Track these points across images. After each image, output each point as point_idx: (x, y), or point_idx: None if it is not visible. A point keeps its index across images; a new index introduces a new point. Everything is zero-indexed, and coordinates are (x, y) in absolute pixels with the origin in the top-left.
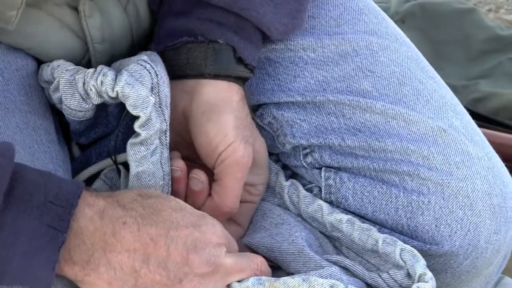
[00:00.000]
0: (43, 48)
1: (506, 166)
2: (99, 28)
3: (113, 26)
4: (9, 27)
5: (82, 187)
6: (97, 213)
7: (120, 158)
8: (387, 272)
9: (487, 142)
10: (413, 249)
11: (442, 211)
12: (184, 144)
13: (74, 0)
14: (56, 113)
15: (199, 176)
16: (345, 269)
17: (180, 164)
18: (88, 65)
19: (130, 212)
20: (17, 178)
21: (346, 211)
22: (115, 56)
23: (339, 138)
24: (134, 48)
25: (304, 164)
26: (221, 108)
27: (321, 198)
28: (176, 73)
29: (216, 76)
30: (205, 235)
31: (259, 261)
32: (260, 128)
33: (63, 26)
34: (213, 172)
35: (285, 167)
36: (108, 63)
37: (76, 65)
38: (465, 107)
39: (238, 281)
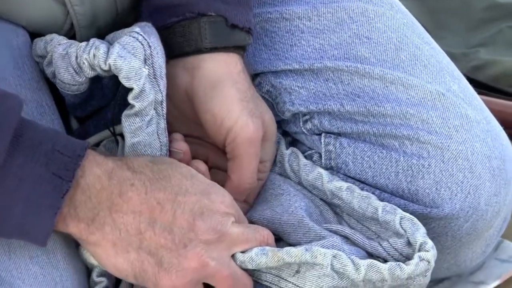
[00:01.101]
0: (20, 11)
1: (506, 132)
2: None
3: None
4: None
5: (88, 144)
6: (105, 172)
7: (118, 129)
8: (387, 241)
9: (485, 106)
10: (413, 217)
11: (442, 174)
12: (187, 122)
13: None
14: (52, 87)
15: (198, 167)
16: (346, 238)
17: (182, 146)
18: (71, 29)
19: (139, 175)
20: (27, 125)
21: (346, 176)
22: (98, 19)
23: (338, 104)
24: (118, 10)
25: (304, 130)
26: (222, 83)
27: (321, 164)
28: (174, 52)
29: (215, 49)
30: (213, 203)
31: (265, 234)
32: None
33: None
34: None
35: (285, 134)
36: (92, 26)
37: (59, 30)
38: (464, 75)
39: (242, 252)
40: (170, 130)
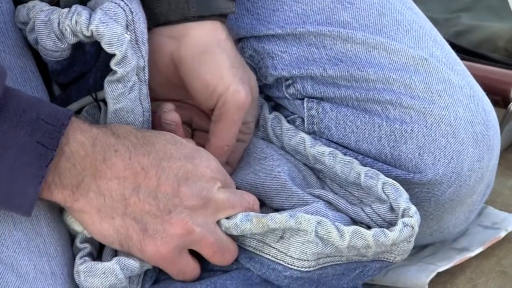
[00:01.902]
0: None
1: (489, 98)
2: None
3: None
4: None
5: (73, 112)
6: (89, 139)
7: (101, 94)
8: (370, 206)
9: (467, 72)
10: (396, 182)
11: (425, 139)
12: (173, 87)
13: None
14: (35, 53)
15: (171, 119)
16: (329, 203)
17: (174, 118)
18: None
19: (123, 141)
20: (11, 94)
21: (329, 141)
22: None
23: (320, 68)
24: None
25: (287, 95)
26: (213, 49)
27: (304, 129)
28: (160, 21)
29: (201, 17)
30: (198, 168)
31: (251, 199)
32: None
33: None
34: (206, 112)
35: (268, 98)
36: None
37: None
38: (447, 40)
39: (227, 218)
40: (153, 95)
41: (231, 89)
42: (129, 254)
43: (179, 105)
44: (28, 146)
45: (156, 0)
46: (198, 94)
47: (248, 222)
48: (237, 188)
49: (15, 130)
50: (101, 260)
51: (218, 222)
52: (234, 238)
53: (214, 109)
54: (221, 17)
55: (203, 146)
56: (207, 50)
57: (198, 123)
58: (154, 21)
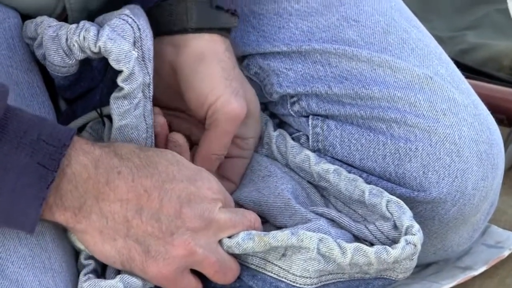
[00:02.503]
0: None
1: (493, 117)
2: None
3: None
4: None
5: (75, 131)
6: (92, 161)
7: (106, 110)
8: (374, 224)
9: (472, 90)
10: (400, 200)
11: (429, 157)
12: (173, 96)
13: None
14: (42, 68)
15: (176, 139)
16: (332, 221)
17: (159, 120)
18: (63, 13)
19: (126, 162)
20: (12, 115)
21: (334, 159)
22: (90, 3)
23: (325, 86)
24: None
25: (292, 112)
26: (207, 60)
27: (308, 147)
28: (162, 30)
29: (200, 30)
30: (200, 189)
31: (252, 218)
32: (247, 78)
33: None
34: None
35: (273, 116)
36: (84, 10)
37: (51, 13)
38: (452, 58)
39: (229, 237)
40: (157, 104)
41: (222, 99)
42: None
43: (181, 116)
44: (29, 167)
45: (160, 10)
46: (191, 102)
47: (250, 240)
48: (240, 205)
49: (15, 152)
50: (105, 277)
51: (220, 242)
52: (236, 256)
53: (206, 119)
54: (222, 31)
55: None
56: (202, 60)
57: (197, 136)
58: (158, 29)
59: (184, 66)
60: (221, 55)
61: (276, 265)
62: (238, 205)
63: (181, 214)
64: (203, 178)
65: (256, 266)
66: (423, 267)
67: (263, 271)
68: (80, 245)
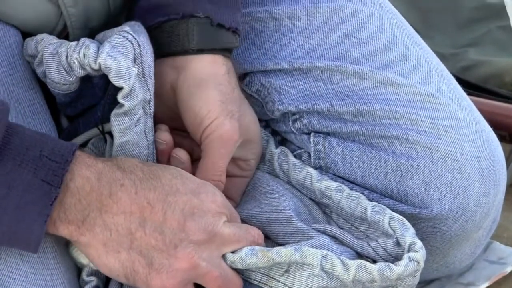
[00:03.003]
0: (11, 12)
1: (495, 133)
2: None
3: None
4: None
5: (77, 146)
6: (95, 173)
7: (107, 127)
8: (376, 241)
9: (474, 107)
10: (402, 217)
11: (431, 174)
12: (174, 116)
13: None
14: (43, 85)
15: (180, 155)
16: (334, 238)
17: (165, 137)
18: (64, 30)
19: (129, 175)
20: (13, 132)
21: (336, 176)
22: (91, 20)
23: (327, 103)
24: (111, 11)
25: (293, 129)
26: (206, 83)
27: (310, 164)
28: (163, 51)
29: (201, 51)
30: (203, 202)
31: (256, 233)
32: (249, 96)
33: None
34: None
35: (274, 133)
36: (85, 28)
37: (52, 30)
38: (454, 75)
39: (232, 252)
40: (157, 123)
41: (216, 122)
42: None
43: (182, 135)
44: (33, 184)
45: (160, 31)
46: (188, 124)
47: (253, 256)
48: (243, 221)
49: (18, 169)
50: None
51: (223, 256)
52: (239, 271)
53: (201, 141)
54: (224, 51)
55: None
56: (201, 83)
57: (198, 153)
58: (159, 50)
59: (183, 88)
60: (220, 78)
61: (279, 281)
62: (241, 221)
63: (185, 227)
64: (207, 191)
65: (259, 282)
66: (425, 284)
67: (265, 287)
68: (83, 260)
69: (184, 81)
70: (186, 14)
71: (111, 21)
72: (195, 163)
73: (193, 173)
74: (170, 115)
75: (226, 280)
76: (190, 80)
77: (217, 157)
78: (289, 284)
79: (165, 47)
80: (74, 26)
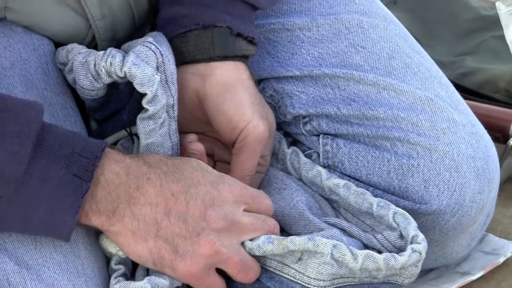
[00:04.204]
0: (45, 25)
1: (490, 135)
2: (98, 5)
3: (111, 3)
4: None
5: (106, 143)
6: (123, 168)
7: (134, 129)
8: (382, 233)
9: (470, 111)
10: (405, 212)
11: (430, 173)
12: (197, 121)
13: None
14: (74, 91)
15: (197, 149)
16: (343, 230)
17: (198, 148)
18: (93, 41)
19: (155, 169)
20: (48, 131)
21: (342, 174)
22: (117, 32)
23: (335, 107)
24: (136, 24)
25: (304, 131)
26: (235, 88)
27: (319, 163)
28: (186, 59)
29: (225, 58)
30: (222, 193)
31: (272, 224)
32: None
33: (63, 5)
34: (227, 145)
35: (286, 135)
36: (112, 39)
37: (82, 41)
38: (452, 81)
39: (250, 240)
40: (180, 128)
41: (252, 124)
42: (159, 273)
43: (202, 138)
44: (65, 179)
45: (183, 40)
46: (221, 128)
47: (270, 243)
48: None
49: (52, 165)
50: (134, 280)
51: (242, 244)
52: (256, 258)
53: (236, 142)
54: (243, 58)
55: None
56: (230, 88)
57: (219, 155)
58: (181, 59)
59: (212, 94)
60: (246, 82)
61: (293, 268)
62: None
63: (206, 215)
64: (225, 182)
65: (274, 268)
66: (425, 272)
67: (280, 274)
68: (111, 250)
69: (212, 87)
70: (207, 24)
71: (136, 33)
72: (217, 163)
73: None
74: (192, 120)
75: (245, 265)
76: (218, 86)
77: (253, 155)
78: (302, 271)
79: (188, 56)
80: (102, 38)
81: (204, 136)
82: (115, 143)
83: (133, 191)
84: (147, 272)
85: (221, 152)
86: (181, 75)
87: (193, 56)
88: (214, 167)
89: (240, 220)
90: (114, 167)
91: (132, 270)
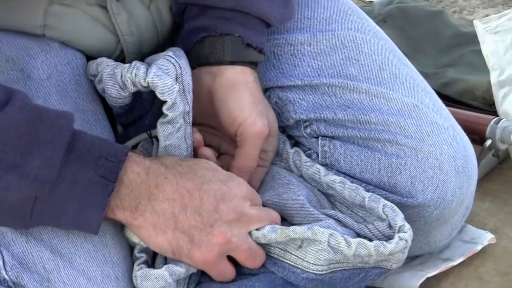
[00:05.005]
0: (79, 40)
1: (468, 137)
2: (127, 24)
3: (139, 21)
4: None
5: (129, 148)
6: (144, 169)
7: (154, 133)
8: (372, 224)
9: (451, 116)
10: (393, 205)
11: (416, 170)
12: (209, 115)
13: (102, 0)
14: (102, 99)
15: (205, 153)
16: (338, 221)
17: (196, 136)
18: (121, 54)
19: (171, 170)
20: (78, 138)
21: (338, 172)
22: (143, 46)
23: (332, 113)
24: (159, 40)
25: (305, 134)
26: (239, 87)
27: (318, 162)
28: (201, 62)
29: (233, 62)
30: (231, 189)
31: (275, 215)
32: None
33: (96, 22)
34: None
35: (289, 137)
36: (139, 53)
37: (111, 54)
38: (435, 90)
39: (256, 229)
40: (195, 121)
41: (249, 120)
42: (176, 261)
43: (213, 132)
44: (93, 180)
45: (201, 46)
46: (224, 120)
47: (274, 232)
48: (264, 206)
49: (81, 168)
50: (154, 267)
51: (249, 233)
52: (262, 246)
53: (237, 135)
54: (252, 64)
55: (227, 168)
56: (234, 86)
57: (225, 148)
58: (200, 61)
59: (219, 90)
60: (250, 84)
61: (294, 254)
62: (263, 206)
63: (218, 209)
64: (234, 180)
65: (277, 255)
66: (411, 259)
67: (283, 259)
68: (135, 240)
69: (220, 85)
70: (223, 33)
71: (160, 48)
72: (223, 156)
73: (221, 166)
74: (204, 114)
75: (252, 252)
76: (225, 84)
77: (250, 148)
78: (302, 257)
79: (203, 59)
80: (130, 52)
81: (215, 131)
82: (136, 144)
83: (153, 189)
84: (165, 260)
85: (227, 146)
86: (198, 74)
87: (207, 59)
88: (218, 158)
89: (248, 212)
90: (135, 168)
91: (153, 258)
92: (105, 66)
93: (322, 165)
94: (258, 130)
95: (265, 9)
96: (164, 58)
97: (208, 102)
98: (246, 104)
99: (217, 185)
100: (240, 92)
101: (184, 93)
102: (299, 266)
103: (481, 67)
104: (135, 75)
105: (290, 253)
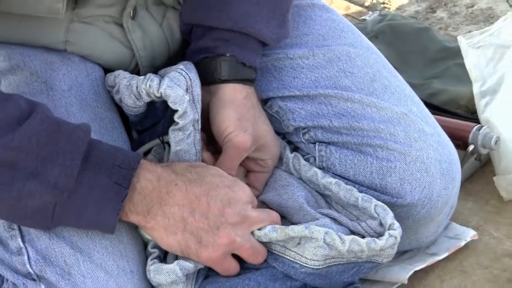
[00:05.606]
0: (98, 54)
1: (453, 143)
2: (141, 39)
3: (152, 37)
4: (59, 17)
5: (141, 156)
6: (155, 176)
7: (166, 139)
8: (365, 222)
9: (437, 123)
10: (384, 205)
11: (405, 173)
12: (209, 126)
13: (118, 18)
14: (119, 108)
15: (204, 158)
16: (334, 219)
17: (206, 157)
18: (136, 67)
19: (181, 177)
20: (94, 148)
21: (334, 174)
22: (156, 60)
23: (328, 121)
24: (171, 54)
25: (303, 140)
26: (227, 105)
27: (315, 166)
28: (201, 81)
29: (226, 81)
30: (237, 193)
31: (275, 215)
32: (270, 115)
33: (113, 38)
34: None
35: (289, 143)
36: (152, 66)
37: (127, 67)
38: (422, 99)
39: (258, 229)
40: (202, 128)
41: (232, 134)
42: (187, 258)
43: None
44: (108, 186)
45: (202, 66)
46: (215, 132)
47: (274, 232)
48: (266, 206)
49: (97, 175)
50: (166, 262)
51: (252, 233)
52: (263, 244)
53: (223, 144)
54: (245, 81)
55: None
56: (224, 105)
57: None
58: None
59: (213, 108)
60: (239, 101)
61: (293, 251)
62: (265, 205)
63: (224, 213)
64: (239, 185)
65: (278, 252)
66: (401, 254)
67: (283, 256)
68: (148, 237)
69: (214, 103)
70: (219, 54)
71: (171, 61)
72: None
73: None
74: (206, 125)
75: (255, 250)
76: (217, 102)
77: (230, 157)
78: (300, 253)
79: (202, 78)
80: (144, 65)
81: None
82: (150, 149)
83: (164, 194)
84: (176, 256)
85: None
86: (203, 93)
87: (205, 79)
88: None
89: (250, 214)
90: (147, 176)
91: (165, 253)
92: (122, 78)
93: (319, 168)
94: (237, 144)
95: (261, 30)
96: (176, 71)
97: (207, 115)
98: (231, 120)
99: (224, 191)
100: (227, 110)
101: (193, 103)
102: (298, 262)
103: (465, 79)
104: (150, 86)
105: (290, 249)
